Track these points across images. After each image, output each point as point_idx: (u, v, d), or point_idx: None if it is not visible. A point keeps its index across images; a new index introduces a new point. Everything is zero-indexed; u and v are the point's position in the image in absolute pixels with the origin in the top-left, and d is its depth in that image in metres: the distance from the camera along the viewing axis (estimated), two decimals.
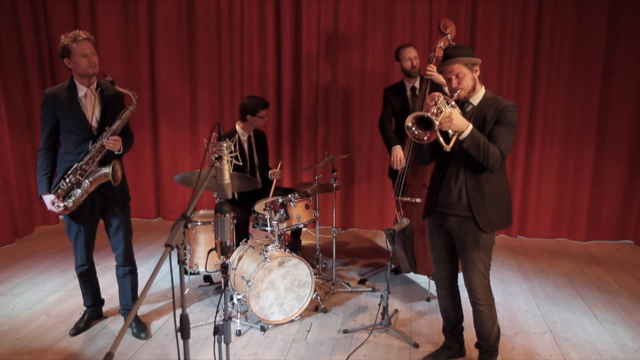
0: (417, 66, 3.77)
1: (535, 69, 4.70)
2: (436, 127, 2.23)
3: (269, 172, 3.97)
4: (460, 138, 2.30)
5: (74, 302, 3.51)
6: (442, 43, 3.58)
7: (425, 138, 2.30)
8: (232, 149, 2.07)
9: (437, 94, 2.36)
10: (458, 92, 2.37)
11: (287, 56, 5.01)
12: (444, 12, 4.69)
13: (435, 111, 2.31)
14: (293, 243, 4.22)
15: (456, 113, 2.28)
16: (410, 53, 3.73)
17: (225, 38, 5.08)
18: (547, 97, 4.70)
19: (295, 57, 5.03)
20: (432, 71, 3.50)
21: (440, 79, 3.43)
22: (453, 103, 2.33)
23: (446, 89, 3.42)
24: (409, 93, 3.85)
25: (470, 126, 2.30)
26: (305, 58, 4.97)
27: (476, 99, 2.44)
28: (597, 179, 4.81)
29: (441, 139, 2.27)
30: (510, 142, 2.37)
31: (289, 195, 3.55)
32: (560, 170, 4.84)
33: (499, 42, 4.68)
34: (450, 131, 2.31)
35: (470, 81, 2.38)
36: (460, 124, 2.28)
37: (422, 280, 3.91)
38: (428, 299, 3.61)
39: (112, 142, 2.77)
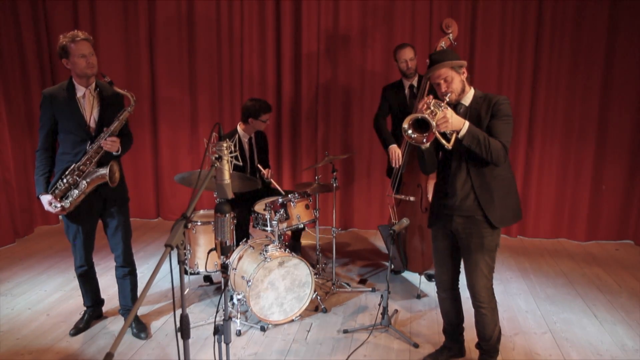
0: (413, 67, 3.78)
1: (536, 69, 4.70)
2: (434, 129, 2.21)
3: (264, 175, 3.91)
4: (459, 136, 2.30)
5: (74, 302, 3.51)
6: (443, 42, 3.55)
7: (425, 140, 2.27)
8: (232, 149, 2.07)
9: (429, 97, 2.34)
10: (449, 95, 2.38)
11: (287, 56, 5.01)
12: (444, 12, 4.69)
13: (429, 114, 2.28)
14: (293, 245, 4.21)
15: (451, 112, 2.28)
16: (405, 55, 3.75)
17: (225, 38, 5.08)
18: (547, 97, 4.70)
19: (295, 57, 5.03)
20: None
21: None
22: (444, 105, 2.32)
23: None
24: (407, 91, 3.88)
25: (467, 123, 2.30)
26: (305, 58, 4.97)
27: (467, 100, 2.45)
28: (597, 179, 4.81)
29: (441, 139, 2.26)
30: (509, 133, 2.37)
31: (289, 195, 3.55)
32: (560, 170, 4.84)
33: (499, 41, 4.68)
34: (448, 132, 2.31)
35: (458, 84, 2.40)
36: (457, 123, 2.28)
37: (423, 280, 3.91)
38: (418, 296, 3.63)
39: (110, 143, 2.76)
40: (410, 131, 2.28)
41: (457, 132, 2.30)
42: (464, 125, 2.29)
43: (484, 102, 2.41)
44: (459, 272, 2.69)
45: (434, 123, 2.21)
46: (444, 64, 2.37)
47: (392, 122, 4.01)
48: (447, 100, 2.37)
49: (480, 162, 2.37)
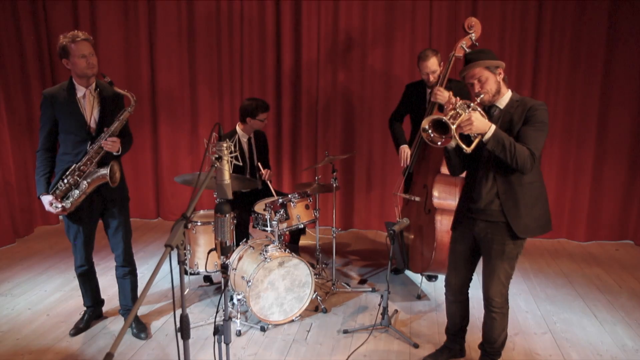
0: (434, 80, 3.56)
1: (535, 69, 4.70)
2: (452, 133, 2.16)
3: (262, 175, 3.90)
4: (484, 140, 2.24)
5: (74, 302, 3.51)
6: (464, 42, 3.42)
7: (440, 143, 2.24)
8: (232, 149, 2.07)
9: (457, 99, 2.29)
10: (481, 96, 2.32)
11: (287, 55, 5.01)
12: (444, 13, 4.70)
13: (453, 115, 2.24)
14: (290, 247, 4.19)
15: (477, 115, 2.22)
16: (427, 67, 3.54)
17: (225, 37, 5.08)
18: (547, 97, 4.70)
19: (295, 57, 5.03)
20: (440, 94, 3.35)
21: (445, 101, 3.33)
22: (473, 105, 2.27)
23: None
24: (427, 96, 3.75)
25: (493, 127, 2.24)
26: (305, 58, 4.97)
27: (502, 102, 2.38)
28: (597, 179, 4.81)
29: (460, 142, 2.21)
30: (540, 141, 2.27)
31: (289, 195, 3.55)
32: (560, 170, 4.84)
33: (499, 42, 4.68)
34: (472, 134, 2.26)
35: (493, 85, 2.33)
36: (482, 126, 2.22)
37: (423, 280, 3.91)
38: (418, 297, 3.63)
39: (110, 144, 2.76)
40: (430, 131, 2.24)
41: (482, 136, 2.24)
42: (490, 129, 2.23)
43: (519, 106, 2.34)
44: (471, 279, 2.66)
45: (453, 127, 2.16)
46: (478, 63, 2.31)
47: (412, 122, 3.91)
48: (479, 101, 2.31)
49: (507, 168, 2.31)
